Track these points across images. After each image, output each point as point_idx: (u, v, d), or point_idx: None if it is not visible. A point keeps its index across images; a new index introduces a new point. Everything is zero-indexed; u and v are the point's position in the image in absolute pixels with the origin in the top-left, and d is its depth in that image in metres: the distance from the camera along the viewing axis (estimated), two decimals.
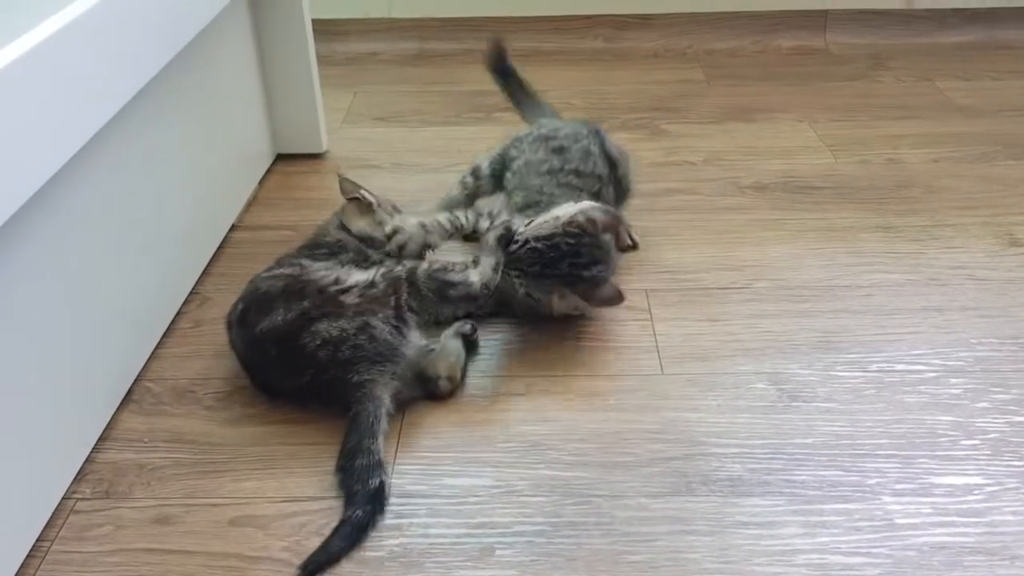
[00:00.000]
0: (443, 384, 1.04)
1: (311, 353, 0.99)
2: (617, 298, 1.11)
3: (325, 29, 2.04)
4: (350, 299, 1.01)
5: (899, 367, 1.08)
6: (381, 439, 0.94)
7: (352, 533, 0.86)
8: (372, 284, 1.03)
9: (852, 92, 1.88)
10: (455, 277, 1.05)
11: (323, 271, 1.05)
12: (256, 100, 1.55)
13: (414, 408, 1.03)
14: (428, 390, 1.04)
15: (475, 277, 1.05)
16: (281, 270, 1.07)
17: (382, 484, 0.90)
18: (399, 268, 1.06)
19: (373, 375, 0.98)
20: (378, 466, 0.91)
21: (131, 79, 1.00)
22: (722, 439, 0.97)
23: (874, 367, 1.08)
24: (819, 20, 2.13)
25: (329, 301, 1.01)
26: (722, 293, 1.23)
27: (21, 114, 0.77)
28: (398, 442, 0.99)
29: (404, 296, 1.03)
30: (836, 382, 1.05)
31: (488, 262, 1.07)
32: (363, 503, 0.88)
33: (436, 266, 1.06)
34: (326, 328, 0.99)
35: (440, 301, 1.05)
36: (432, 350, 1.05)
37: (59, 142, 0.84)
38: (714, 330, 1.15)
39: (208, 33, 1.23)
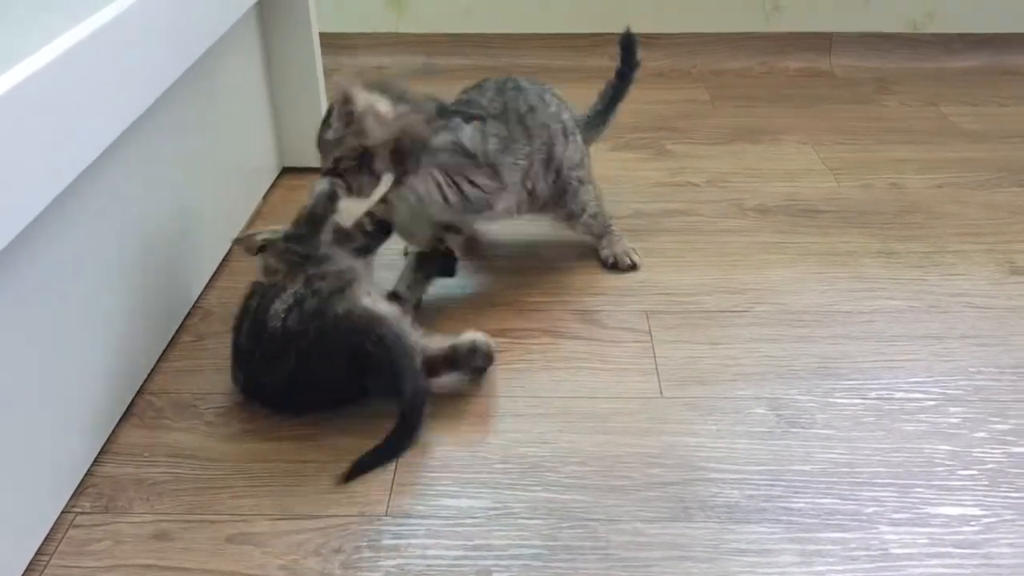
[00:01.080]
0: (481, 343, 1.07)
1: (282, 329, 1.00)
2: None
3: (333, 43, 2.05)
4: (278, 276, 1.06)
5: (898, 395, 1.08)
6: (418, 359, 1.01)
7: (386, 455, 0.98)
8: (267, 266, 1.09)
9: (856, 115, 1.89)
10: (309, 204, 1.12)
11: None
12: (263, 113, 1.56)
13: None
14: (469, 364, 1.08)
15: (321, 186, 1.13)
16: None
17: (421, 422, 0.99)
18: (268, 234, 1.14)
19: (350, 298, 1.02)
20: (426, 395, 1.00)
21: (140, 96, 1.01)
22: (720, 464, 0.98)
23: (873, 394, 1.08)
24: (825, 43, 2.14)
25: (271, 286, 1.04)
26: (723, 316, 1.23)
27: (32, 130, 0.78)
28: (397, 461, 0.99)
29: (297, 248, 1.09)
30: (835, 409, 1.06)
31: (321, 183, 1.14)
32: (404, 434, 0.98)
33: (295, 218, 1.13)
34: (281, 302, 1.02)
35: (319, 228, 1.11)
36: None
37: (69, 158, 0.85)
38: (714, 353, 1.16)
39: (216, 46, 1.24)
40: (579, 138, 1.33)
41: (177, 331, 1.19)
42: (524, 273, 1.34)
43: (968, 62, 2.12)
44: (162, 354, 1.15)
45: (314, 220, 1.11)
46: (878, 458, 0.98)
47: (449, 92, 2.00)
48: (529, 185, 1.26)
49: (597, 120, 1.43)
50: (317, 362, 1.01)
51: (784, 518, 0.91)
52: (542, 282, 1.31)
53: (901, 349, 1.16)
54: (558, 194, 1.29)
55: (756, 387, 1.09)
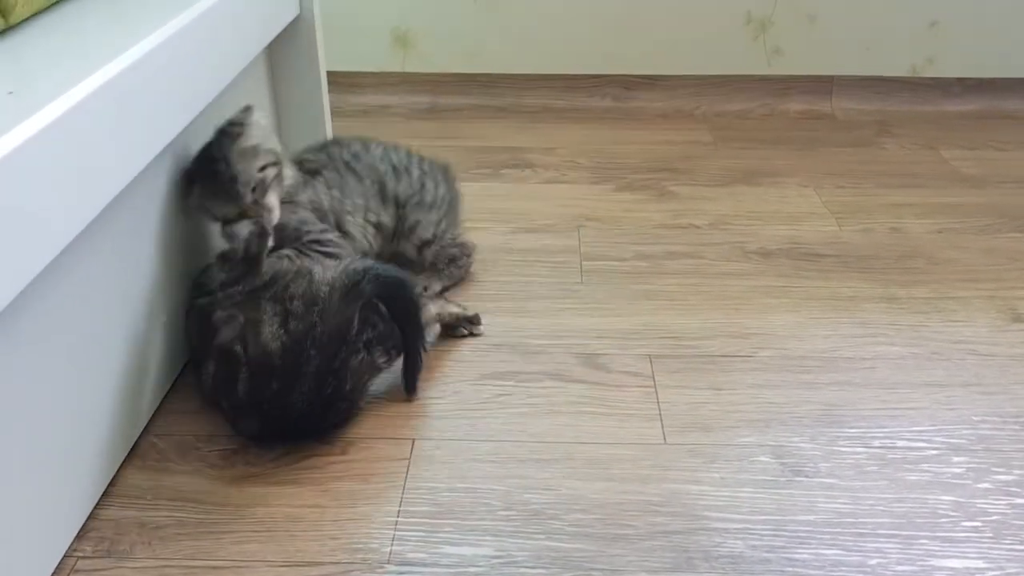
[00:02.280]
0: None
1: (289, 340, 1.03)
2: None
3: (340, 81, 2.08)
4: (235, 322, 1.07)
5: (901, 443, 1.08)
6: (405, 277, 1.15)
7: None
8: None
9: (857, 158, 1.90)
10: (240, 247, 1.13)
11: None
12: None
13: (417, 473, 1.03)
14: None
15: (248, 228, 1.14)
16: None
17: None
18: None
19: (320, 279, 1.08)
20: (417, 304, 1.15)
21: (153, 140, 1.02)
22: (724, 513, 0.98)
23: (876, 443, 1.08)
24: (826, 85, 2.16)
25: (246, 328, 1.05)
26: (726, 361, 1.23)
27: (49, 175, 0.79)
28: (400, 506, 0.99)
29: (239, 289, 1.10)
30: (838, 457, 1.06)
31: (244, 225, 1.16)
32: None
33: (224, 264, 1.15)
34: (268, 326, 1.04)
35: (257, 267, 1.11)
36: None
37: (85, 201, 0.86)
38: (718, 399, 1.16)
39: (226, 88, 1.25)
40: (416, 174, 1.40)
41: (181, 372, 1.20)
42: (528, 315, 1.34)
43: (967, 106, 2.15)
44: (166, 395, 1.15)
45: (250, 260, 1.12)
46: (882, 508, 0.98)
47: (456, 131, 2.05)
48: (373, 219, 1.33)
49: None
50: (332, 343, 1.04)
51: (788, 569, 0.91)
52: (546, 324, 1.32)
53: (904, 397, 1.16)
54: (408, 226, 1.37)
55: (760, 434, 1.09)
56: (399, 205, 1.37)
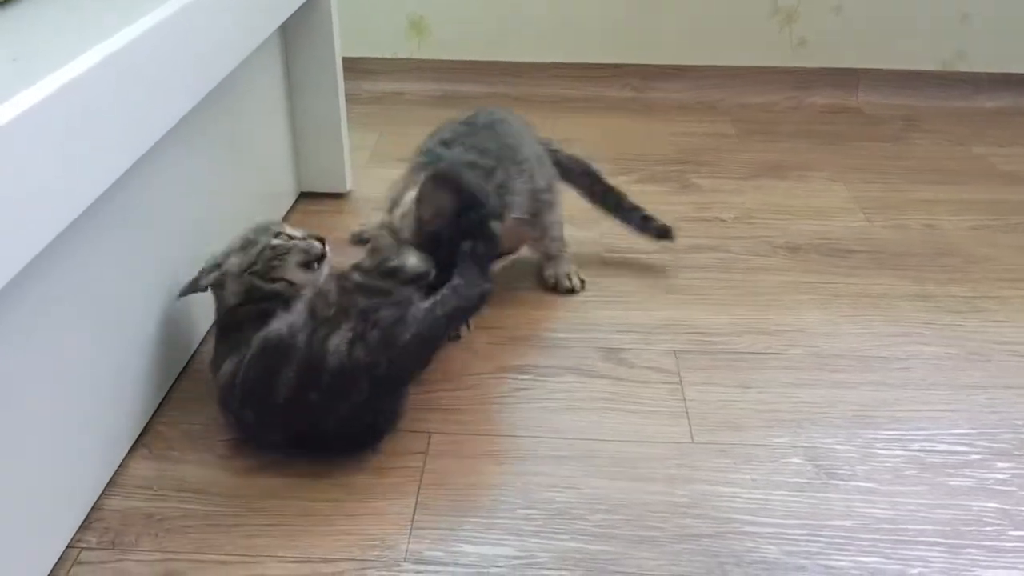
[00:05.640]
0: None
1: (350, 362, 0.95)
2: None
3: (353, 67, 2.03)
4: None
5: (941, 447, 1.03)
6: None
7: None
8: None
9: (885, 153, 1.85)
10: (397, 266, 1.07)
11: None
12: (283, 138, 1.53)
13: (434, 467, 0.99)
14: None
15: (420, 261, 1.08)
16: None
17: None
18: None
19: (408, 321, 0.99)
20: None
21: (162, 117, 0.97)
22: (756, 517, 0.93)
23: (915, 446, 1.03)
24: (852, 79, 2.11)
25: (320, 325, 0.97)
26: (755, 358, 1.19)
27: (54, 150, 0.75)
28: (416, 501, 0.94)
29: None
30: (875, 460, 1.01)
31: (414, 257, 1.09)
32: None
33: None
34: (339, 337, 0.95)
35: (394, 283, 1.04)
36: None
37: (90, 178, 0.82)
38: (747, 397, 1.11)
39: (239, 70, 1.21)
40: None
41: (191, 358, 1.15)
42: (548, 306, 1.30)
43: (999, 102, 2.09)
44: (174, 382, 1.11)
45: (395, 274, 1.05)
46: (923, 515, 0.93)
47: None
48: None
49: None
50: (389, 385, 0.98)
51: None
52: (567, 317, 1.27)
53: (942, 398, 1.11)
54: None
55: (792, 435, 1.05)
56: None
